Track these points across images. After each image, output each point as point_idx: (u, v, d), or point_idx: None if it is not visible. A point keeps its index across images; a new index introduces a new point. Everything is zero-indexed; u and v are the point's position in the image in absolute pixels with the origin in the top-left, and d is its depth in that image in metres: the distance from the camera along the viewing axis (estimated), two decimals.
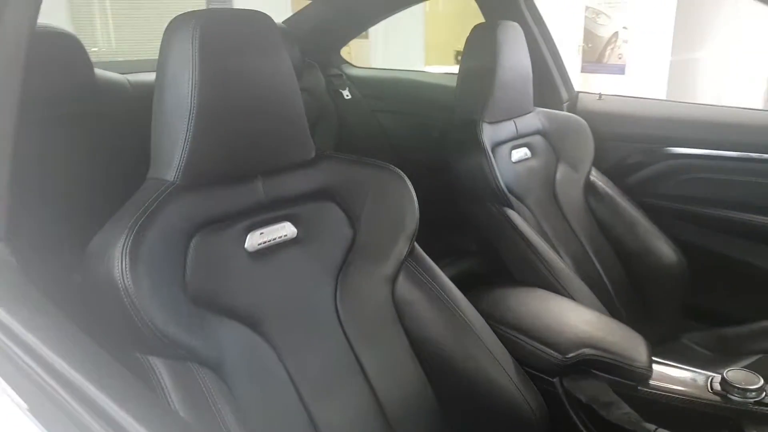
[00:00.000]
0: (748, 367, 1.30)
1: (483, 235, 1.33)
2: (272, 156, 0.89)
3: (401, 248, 0.96)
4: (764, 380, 0.93)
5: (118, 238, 0.70)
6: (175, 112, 0.78)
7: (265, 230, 0.87)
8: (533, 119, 1.50)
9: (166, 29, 0.80)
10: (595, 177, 1.54)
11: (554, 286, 1.20)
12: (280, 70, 0.86)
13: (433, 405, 0.95)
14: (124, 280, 0.68)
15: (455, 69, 1.53)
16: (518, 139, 1.45)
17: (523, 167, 1.43)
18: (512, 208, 1.30)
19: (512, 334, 1.01)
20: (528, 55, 1.43)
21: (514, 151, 1.43)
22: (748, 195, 1.43)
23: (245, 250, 0.85)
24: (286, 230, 0.90)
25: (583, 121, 1.54)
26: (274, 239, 0.88)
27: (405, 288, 0.96)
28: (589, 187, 1.53)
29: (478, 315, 0.98)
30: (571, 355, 0.96)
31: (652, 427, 0.89)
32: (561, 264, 1.25)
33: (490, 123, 1.37)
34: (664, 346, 1.31)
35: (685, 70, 4.85)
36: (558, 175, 1.51)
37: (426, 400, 0.95)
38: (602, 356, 0.96)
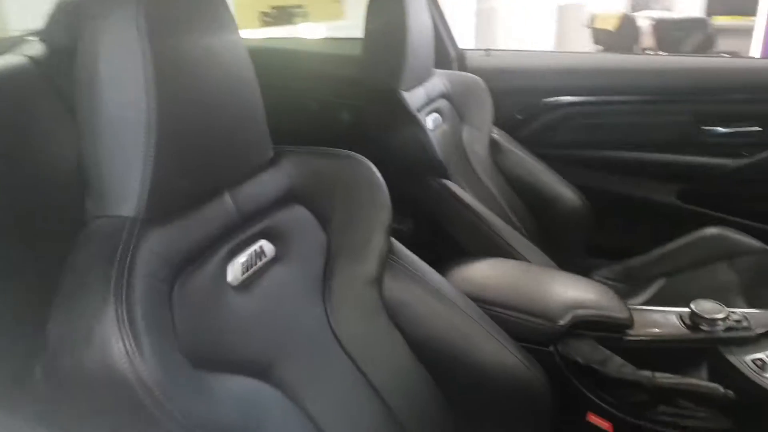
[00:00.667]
0: (657, 294, 1.45)
1: (423, 211, 1.27)
2: (236, 162, 0.73)
3: (380, 244, 0.86)
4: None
5: (102, 309, 0.51)
6: (125, 125, 0.58)
7: (244, 255, 0.72)
8: (437, 82, 1.45)
9: (83, 7, 0.59)
10: (497, 134, 1.56)
11: (509, 251, 1.19)
12: (237, 54, 0.70)
13: (443, 404, 0.88)
14: (134, 367, 0.49)
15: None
16: (429, 104, 1.39)
17: (439, 133, 1.39)
18: (449, 178, 1.25)
19: (500, 311, 0.97)
20: (428, 14, 1.36)
21: (428, 118, 1.37)
22: (635, 134, 1.55)
23: (229, 285, 0.69)
24: (264, 250, 0.75)
25: (479, 79, 1.53)
26: (256, 264, 0.73)
27: (393, 288, 0.87)
28: (493, 145, 1.54)
29: (469, 300, 0.93)
30: (564, 320, 0.95)
31: (649, 373, 0.92)
32: (510, 228, 1.24)
33: (407, 90, 1.29)
34: None
35: (488, 17, 5.18)
36: (465, 137, 1.49)
37: (436, 401, 0.88)
38: (592, 315, 0.97)
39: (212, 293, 0.66)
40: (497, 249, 1.19)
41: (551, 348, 0.97)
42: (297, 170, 0.82)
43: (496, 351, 0.90)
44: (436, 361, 0.87)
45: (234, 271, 0.70)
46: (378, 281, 0.85)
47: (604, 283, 1.52)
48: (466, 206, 1.21)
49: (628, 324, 0.99)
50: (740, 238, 1.40)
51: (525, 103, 1.65)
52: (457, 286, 0.97)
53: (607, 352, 0.97)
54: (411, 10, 1.26)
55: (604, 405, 0.95)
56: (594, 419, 0.95)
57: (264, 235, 0.76)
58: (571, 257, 1.57)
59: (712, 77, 1.51)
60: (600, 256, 1.59)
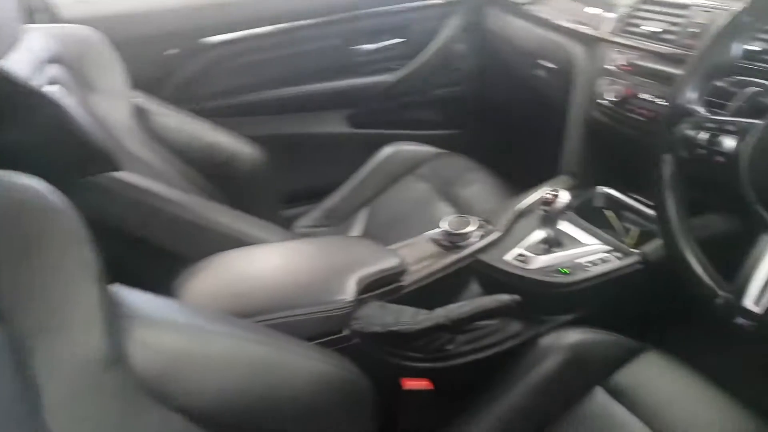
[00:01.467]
0: (367, 225, 1.41)
1: (96, 224, 0.88)
2: None
3: (94, 299, 0.54)
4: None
5: None
6: None
7: None
8: (36, 42, 1.01)
9: None
10: (139, 98, 1.22)
11: (233, 236, 0.94)
12: None
13: None
14: None
15: None
16: (39, 74, 0.96)
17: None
18: (121, 168, 0.89)
19: (280, 317, 0.75)
20: None
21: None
22: (291, 68, 1.43)
23: None
24: None
25: (93, 30, 1.14)
26: None
27: (147, 358, 0.56)
28: (139, 113, 1.20)
29: (245, 322, 0.68)
30: (350, 296, 0.79)
31: (442, 310, 0.86)
32: (220, 207, 0.98)
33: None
34: None
35: None
36: (99, 109, 1.11)
37: None
38: (370, 275, 0.84)
39: None
40: (220, 240, 0.93)
41: (346, 331, 0.81)
42: None
43: (305, 370, 0.68)
44: (242, 427, 0.62)
45: None
46: (115, 357, 0.53)
47: (309, 234, 1.42)
48: (162, 200, 0.89)
49: (403, 269, 0.89)
50: (415, 149, 1.45)
51: (154, 54, 1.33)
52: (211, 307, 0.70)
53: (396, 307, 0.86)
54: None
55: (413, 364, 0.86)
56: (410, 384, 0.85)
57: None
58: (265, 217, 1.41)
59: None
60: (294, 206, 1.47)
